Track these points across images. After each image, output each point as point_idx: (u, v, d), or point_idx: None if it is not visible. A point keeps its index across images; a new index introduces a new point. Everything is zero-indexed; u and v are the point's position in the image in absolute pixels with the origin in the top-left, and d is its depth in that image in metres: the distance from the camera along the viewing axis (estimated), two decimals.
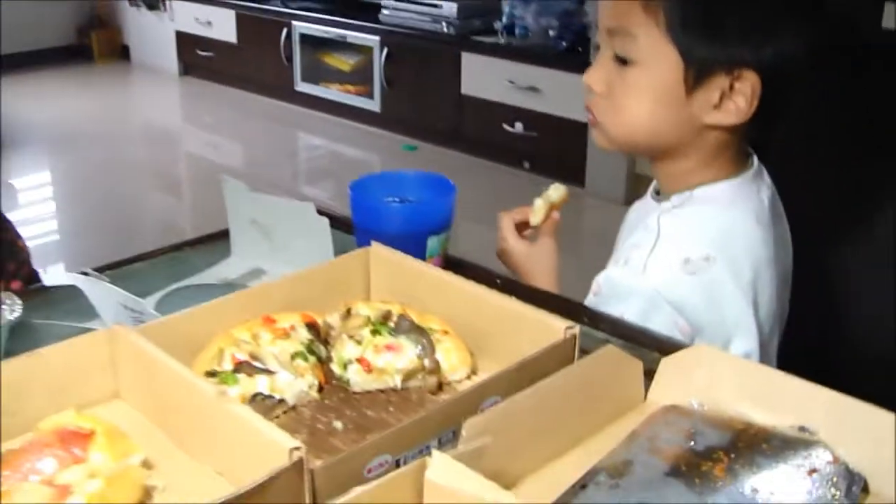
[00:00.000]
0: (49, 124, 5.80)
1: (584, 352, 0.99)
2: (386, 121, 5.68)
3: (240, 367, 0.99)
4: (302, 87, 6.10)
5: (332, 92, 5.94)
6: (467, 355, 1.04)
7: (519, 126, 4.93)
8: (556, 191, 1.45)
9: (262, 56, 6.25)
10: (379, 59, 5.51)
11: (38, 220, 4.46)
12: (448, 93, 5.24)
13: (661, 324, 1.25)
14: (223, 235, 1.42)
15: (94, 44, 7.22)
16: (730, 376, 0.97)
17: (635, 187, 4.11)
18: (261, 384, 0.97)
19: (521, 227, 1.49)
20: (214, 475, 0.88)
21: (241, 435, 0.84)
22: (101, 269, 1.33)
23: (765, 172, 1.39)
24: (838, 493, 0.85)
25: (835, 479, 0.85)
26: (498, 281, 1.29)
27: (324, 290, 1.15)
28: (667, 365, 1.01)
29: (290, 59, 6.08)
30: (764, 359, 1.32)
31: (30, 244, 1.88)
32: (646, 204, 1.44)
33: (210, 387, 0.88)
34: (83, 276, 1.15)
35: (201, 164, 5.61)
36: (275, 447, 0.79)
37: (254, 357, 1.00)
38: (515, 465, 0.88)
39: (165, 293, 1.27)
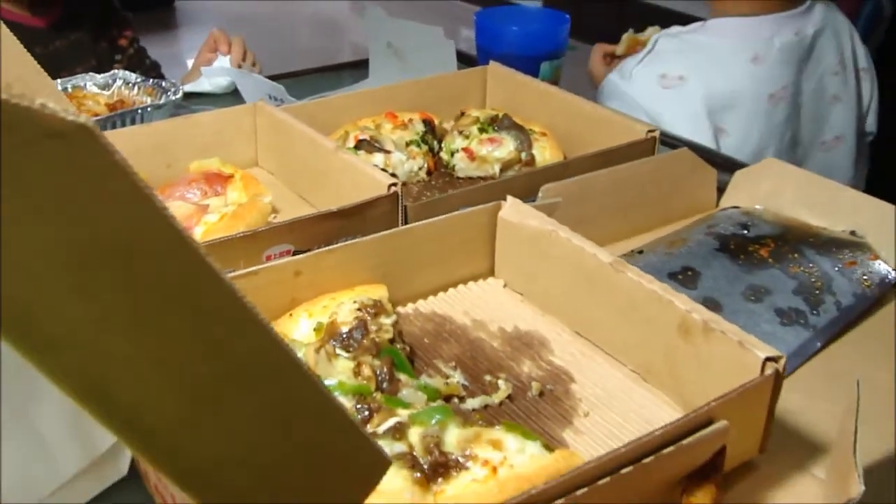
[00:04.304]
0: (221, 6, 5.99)
1: None
2: None
3: (360, 143, 1.14)
4: None
5: None
6: (560, 153, 1.17)
7: None
8: (647, 32, 1.67)
9: None
10: None
11: None
12: None
13: None
14: (364, 63, 1.58)
15: None
16: (793, 186, 1.07)
17: None
18: (377, 159, 1.12)
19: (609, 57, 1.72)
20: None
21: (350, 176, 0.99)
22: None
23: (815, 15, 1.53)
24: (871, 283, 0.95)
25: (870, 272, 0.96)
26: None
27: (445, 98, 1.29)
28: (739, 176, 1.11)
29: None
30: None
31: None
32: None
33: (330, 143, 1.04)
34: (236, 69, 1.32)
35: (364, 53, 5.69)
36: (376, 184, 0.94)
37: (374, 139, 1.15)
38: (583, 235, 1.00)
39: (308, 101, 1.43)
